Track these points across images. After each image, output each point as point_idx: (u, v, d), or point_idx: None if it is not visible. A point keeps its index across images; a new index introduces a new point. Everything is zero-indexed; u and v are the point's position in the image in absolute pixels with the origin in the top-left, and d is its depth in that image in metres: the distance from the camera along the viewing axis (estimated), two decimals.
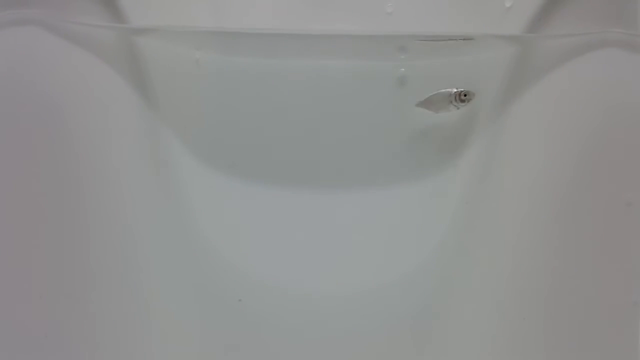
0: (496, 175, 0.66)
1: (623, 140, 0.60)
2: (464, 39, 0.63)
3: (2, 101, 0.60)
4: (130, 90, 0.65)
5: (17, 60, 0.60)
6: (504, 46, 0.66)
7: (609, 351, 0.61)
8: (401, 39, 0.67)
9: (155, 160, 0.67)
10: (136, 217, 0.65)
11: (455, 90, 0.64)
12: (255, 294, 0.69)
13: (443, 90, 0.65)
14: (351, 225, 0.70)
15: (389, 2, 0.68)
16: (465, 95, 0.64)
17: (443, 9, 0.67)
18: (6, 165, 0.60)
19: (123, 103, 0.65)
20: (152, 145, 0.67)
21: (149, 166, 0.66)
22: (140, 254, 0.65)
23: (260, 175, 0.69)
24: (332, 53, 0.67)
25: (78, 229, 0.62)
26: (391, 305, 0.68)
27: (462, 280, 0.66)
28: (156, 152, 0.67)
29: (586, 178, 0.61)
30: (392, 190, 0.69)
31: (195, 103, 0.68)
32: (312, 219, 0.69)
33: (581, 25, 0.61)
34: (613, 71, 0.60)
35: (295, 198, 0.69)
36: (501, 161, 0.66)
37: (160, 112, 0.67)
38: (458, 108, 0.65)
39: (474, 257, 0.66)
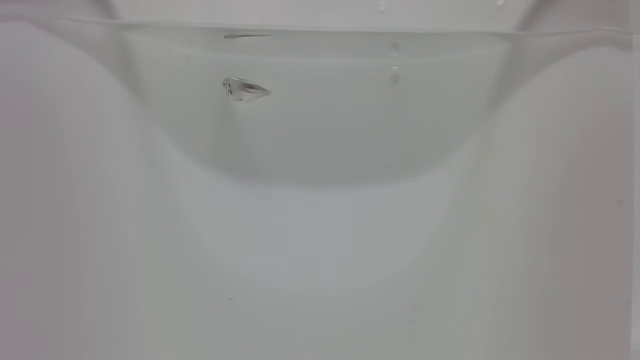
0: (488, 173, 0.66)
1: (614, 138, 0.60)
2: None
3: None
4: (121, 87, 0.65)
5: (6, 56, 0.60)
6: (496, 44, 0.66)
7: (601, 349, 0.61)
8: (394, 37, 0.67)
9: (146, 158, 0.67)
10: (127, 215, 0.65)
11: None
12: (247, 292, 0.68)
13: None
14: (343, 223, 0.69)
15: (382, 0, 0.68)
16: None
17: (435, 7, 0.67)
18: None
19: (113, 99, 0.65)
20: (143, 142, 0.67)
21: (140, 163, 0.66)
22: (131, 252, 0.65)
23: (252, 173, 0.69)
24: (325, 51, 0.67)
25: (68, 226, 0.62)
26: (383, 303, 0.68)
27: (454, 278, 0.66)
28: (147, 149, 0.67)
29: (578, 176, 0.61)
30: (385, 188, 0.69)
31: (186, 100, 0.68)
32: (304, 217, 0.69)
33: (573, 23, 0.61)
34: (605, 69, 0.60)
35: (286, 196, 0.69)
36: (493, 159, 0.66)
37: (151, 108, 0.67)
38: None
39: (466, 254, 0.66)
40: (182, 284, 0.68)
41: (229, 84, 0.65)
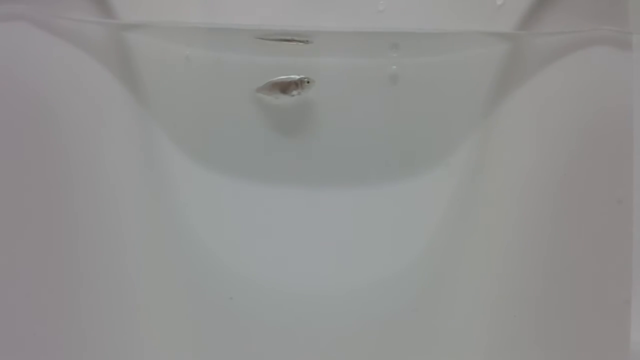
0: (488, 172, 0.66)
1: (613, 138, 0.60)
2: None
3: None
4: (120, 87, 0.65)
5: (5, 56, 0.60)
6: (496, 43, 0.66)
7: (601, 349, 0.61)
8: (393, 37, 0.67)
9: (145, 157, 0.67)
10: (126, 215, 0.65)
11: (298, 77, 0.65)
12: (246, 292, 0.68)
13: (285, 77, 0.65)
14: (342, 223, 0.69)
15: (381, 0, 0.68)
16: (307, 82, 0.65)
17: (434, 7, 0.67)
18: None
19: (113, 99, 0.65)
20: (142, 142, 0.67)
21: (139, 163, 0.66)
22: (131, 252, 0.65)
23: (251, 173, 0.69)
24: (324, 50, 0.67)
25: (67, 226, 0.62)
26: (382, 303, 0.68)
27: (454, 278, 0.66)
28: (147, 149, 0.67)
29: (577, 175, 0.61)
30: (384, 188, 0.69)
31: (185, 100, 0.68)
32: (303, 217, 0.69)
33: (572, 22, 0.61)
34: (604, 68, 0.60)
35: (286, 196, 0.69)
36: (493, 159, 0.66)
37: (150, 108, 0.67)
38: (299, 94, 0.66)
39: (466, 254, 0.66)
40: (182, 284, 0.68)
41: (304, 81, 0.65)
